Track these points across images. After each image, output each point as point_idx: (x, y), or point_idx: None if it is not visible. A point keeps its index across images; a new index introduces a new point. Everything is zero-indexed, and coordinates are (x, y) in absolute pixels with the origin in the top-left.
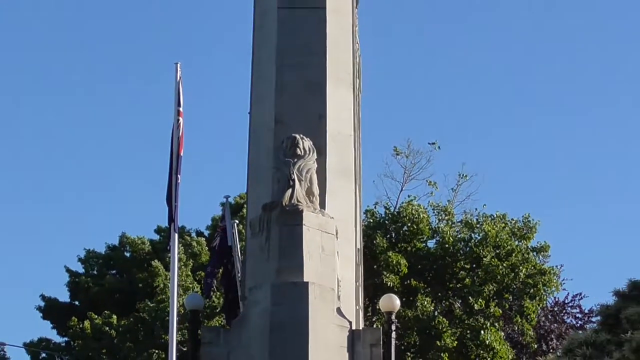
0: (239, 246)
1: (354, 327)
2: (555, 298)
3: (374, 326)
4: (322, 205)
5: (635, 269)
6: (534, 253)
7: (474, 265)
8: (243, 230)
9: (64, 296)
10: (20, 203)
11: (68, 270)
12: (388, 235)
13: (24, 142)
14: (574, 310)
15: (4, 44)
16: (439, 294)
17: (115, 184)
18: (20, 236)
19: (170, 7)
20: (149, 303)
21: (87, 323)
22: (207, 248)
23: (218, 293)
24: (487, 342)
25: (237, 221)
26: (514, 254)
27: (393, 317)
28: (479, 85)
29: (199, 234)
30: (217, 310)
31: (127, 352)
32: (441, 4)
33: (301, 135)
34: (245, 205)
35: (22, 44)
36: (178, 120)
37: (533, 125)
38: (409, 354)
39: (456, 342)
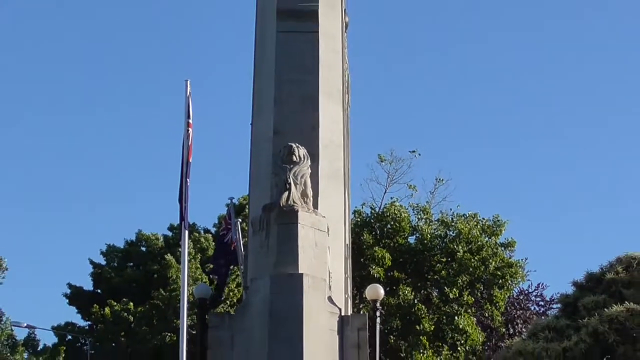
0: (242, 242)
1: (343, 313)
2: (520, 288)
3: (361, 312)
4: (315, 205)
5: (591, 262)
6: (502, 248)
7: (449, 259)
8: (246, 228)
9: (87, 285)
10: (51, 204)
11: (92, 262)
12: (373, 233)
13: (59, 154)
14: (537, 299)
15: (31, 61)
16: (419, 284)
17: (133, 187)
18: (50, 232)
19: (183, 31)
20: (162, 292)
21: (107, 309)
22: (213, 243)
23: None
24: (461, 326)
25: (240, 220)
26: (484, 249)
27: (378, 304)
28: (454, 100)
29: (207, 231)
30: (222, 298)
31: (143, 335)
32: (422, 28)
33: (297, 144)
34: (247, 206)
35: (48, 62)
36: (188, 130)
37: (502, 135)
38: (391, 337)
39: (433, 326)
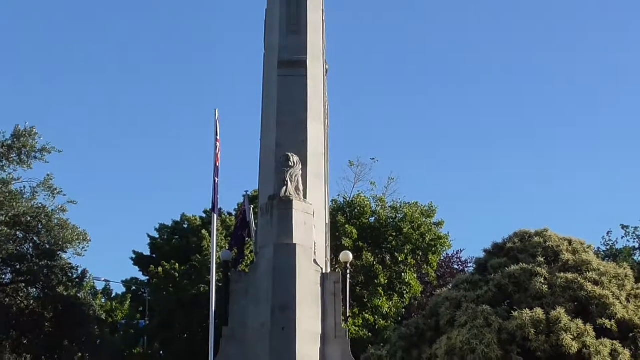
0: (254, 221)
1: (324, 271)
2: (447, 253)
3: (336, 271)
4: (305, 196)
5: (496, 235)
6: (435, 225)
7: (398, 234)
8: (257, 211)
9: (146, 251)
10: (123, 197)
11: (149, 235)
12: (345, 215)
13: (127, 162)
14: (458, 261)
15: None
16: (376, 251)
17: (179, 183)
18: (122, 215)
19: (217, 76)
20: (198, 256)
21: (160, 268)
22: (236, 223)
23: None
24: (406, 280)
25: (252, 206)
26: (422, 226)
27: (348, 265)
28: (402, 121)
29: (229, 214)
30: (241, 260)
31: (184, 286)
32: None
33: (292, 154)
34: (258, 196)
35: (107, 93)
36: (216, 145)
37: (435, 144)
38: (357, 288)
39: (387, 280)
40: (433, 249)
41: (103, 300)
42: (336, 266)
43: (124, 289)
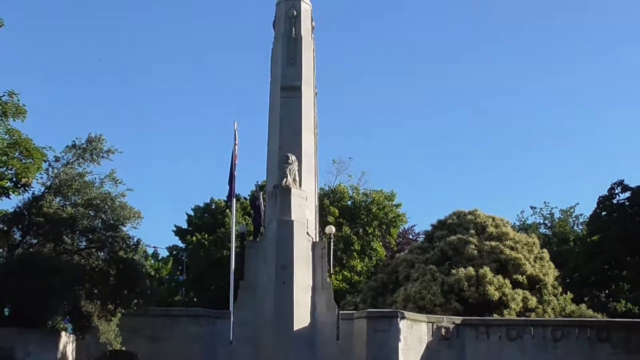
0: (263, 204)
1: (314, 240)
2: (404, 227)
3: (323, 240)
4: (300, 185)
5: (439, 213)
6: (395, 207)
7: (368, 213)
8: (265, 197)
9: (184, 225)
10: (166, 187)
11: (186, 214)
12: (329, 199)
13: (171, 160)
14: (412, 232)
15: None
16: (352, 226)
17: (210, 175)
18: (167, 199)
19: (237, 95)
20: (222, 229)
21: (194, 238)
22: (250, 205)
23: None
24: (374, 247)
25: (262, 192)
26: (386, 208)
27: (331, 236)
28: (372, 129)
29: (245, 198)
30: (252, 233)
31: (212, 251)
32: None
33: (290, 154)
34: (266, 185)
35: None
36: (235, 147)
37: (396, 148)
38: (338, 252)
39: (360, 247)
40: (394, 224)
41: (152, 262)
42: (323, 237)
43: (167, 253)
